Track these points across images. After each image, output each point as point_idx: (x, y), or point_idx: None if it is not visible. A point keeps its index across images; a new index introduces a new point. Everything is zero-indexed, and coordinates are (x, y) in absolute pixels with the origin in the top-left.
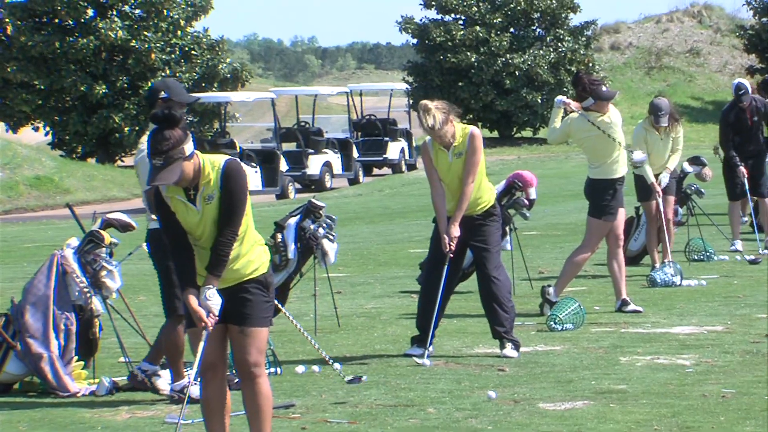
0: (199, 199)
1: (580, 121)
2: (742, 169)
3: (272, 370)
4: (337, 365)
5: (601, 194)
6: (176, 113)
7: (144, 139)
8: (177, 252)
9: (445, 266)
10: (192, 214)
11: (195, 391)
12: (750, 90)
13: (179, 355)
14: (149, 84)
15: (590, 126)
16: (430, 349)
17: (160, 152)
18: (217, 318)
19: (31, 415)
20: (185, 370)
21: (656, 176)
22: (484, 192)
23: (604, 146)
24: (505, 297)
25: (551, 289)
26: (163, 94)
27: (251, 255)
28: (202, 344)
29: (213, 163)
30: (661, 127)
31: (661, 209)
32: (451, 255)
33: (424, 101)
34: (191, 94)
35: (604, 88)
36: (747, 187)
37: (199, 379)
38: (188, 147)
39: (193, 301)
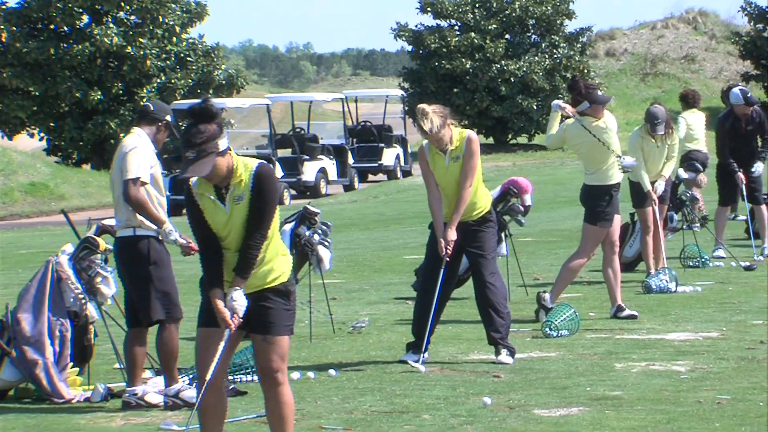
0: (228, 199)
1: (575, 127)
2: (741, 175)
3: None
4: (332, 371)
5: (596, 200)
6: (213, 108)
7: (133, 140)
8: (206, 252)
9: (441, 270)
10: (220, 213)
11: (191, 394)
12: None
13: (173, 360)
14: (144, 90)
15: (585, 132)
16: (425, 355)
17: (193, 145)
18: (241, 320)
19: (26, 422)
20: (179, 375)
21: (652, 184)
22: (481, 197)
23: (599, 152)
24: (501, 303)
25: (547, 296)
26: (151, 108)
27: (274, 263)
28: (222, 345)
29: (246, 164)
30: (657, 135)
31: (657, 216)
32: (448, 259)
33: (421, 105)
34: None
35: (599, 93)
36: (744, 193)
37: (195, 384)
38: (222, 143)
39: (218, 301)
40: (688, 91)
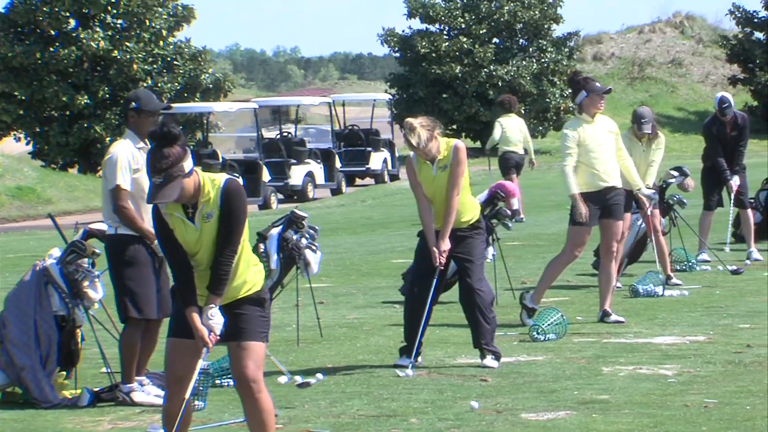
0: (198, 217)
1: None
2: (732, 183)
3: (198, 404)
4: (319, 375)
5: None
6: (174, 130)
7: (114, 147)
8: (178, 270)
9: (434, 280)
10: (191, 231)
11: (139, 396)
12: (733, 104)
13: (132, 358)
14: None
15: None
16: (420, 359)
17: (159, 170)
18: (219, 338)
19: (13, 426)
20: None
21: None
22: (469, 207)
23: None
24: (488, 308)
25: (528, 295)
26: (132, 105)
27: (246, 275)
28: (200, 362)
29: (213, 181)
30: (644, 135)
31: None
32: (441, 268)
33: (408, 119)
34: (165, 103)
35: (597, 84)
36: (732, 198)
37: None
38: (187, 164)
39: (195, 319)
40: (504, 97)
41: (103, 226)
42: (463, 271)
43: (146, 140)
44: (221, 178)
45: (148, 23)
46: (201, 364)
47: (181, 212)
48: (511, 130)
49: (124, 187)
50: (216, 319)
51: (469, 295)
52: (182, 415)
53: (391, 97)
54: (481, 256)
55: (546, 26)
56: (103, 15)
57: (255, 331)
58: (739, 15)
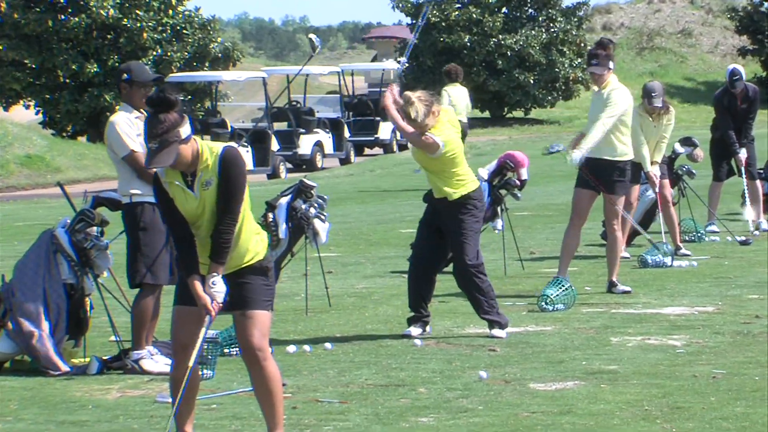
0: (197, 185)
1: None
2: (741, 156)
3: (206, 372)
4: (328, 345)
5: None
6: (171, 96)
7: (111, 119)
8: (179, 239)
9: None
10: (190, 200)
11: (149, 365)
12: (744, 76)
13: (143, 324)
14: None
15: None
16: (427, 329)
17: (155, 135)
18: (222, 306)
19: (22, 394)
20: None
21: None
22: (463, 181)
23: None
24: (480, 278)
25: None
26: (124, 76)
27: (249, 244)
28: (203, 331)
29: (212, 149)
30: (654, 110)
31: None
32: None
33: (407, 93)
34: (162, 74)
35: (593, 61)
36: (742, 170)
37: (156, 352)
38: (184, 130)
39: (198, 288)
40: (450, 66)
41: (114, 195)
42: (454, 246)
43: (141, 111)
44: (219, 146)
45: None
46: (205, 332)
47: (180, 180)
48: (457, 99)
49: (137, 149)
50: (218, 287)
51: (459, 269)
52: (186, 382)
53: (399, 66)
54: (471, 230)
55: None
56: None
57: (259, 300)
58: None
